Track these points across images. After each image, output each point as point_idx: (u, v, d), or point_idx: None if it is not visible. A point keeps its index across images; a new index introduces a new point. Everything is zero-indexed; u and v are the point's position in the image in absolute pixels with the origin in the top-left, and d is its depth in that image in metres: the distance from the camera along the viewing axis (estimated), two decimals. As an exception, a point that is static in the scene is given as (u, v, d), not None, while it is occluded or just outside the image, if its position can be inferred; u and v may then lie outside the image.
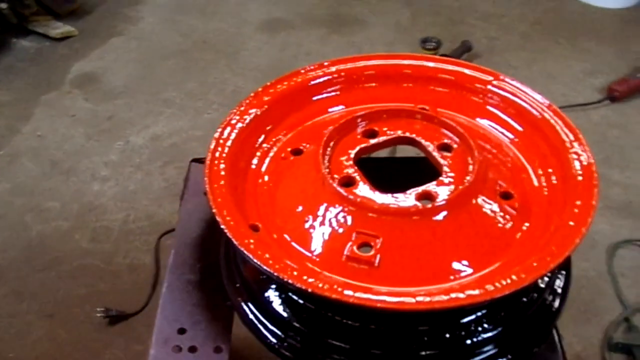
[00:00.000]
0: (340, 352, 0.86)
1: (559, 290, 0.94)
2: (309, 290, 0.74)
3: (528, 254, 0.83)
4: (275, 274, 0.76)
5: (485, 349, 0.87)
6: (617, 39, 2.96)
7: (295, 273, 0.77)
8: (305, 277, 0.75)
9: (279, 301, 0.89)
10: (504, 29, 3.05)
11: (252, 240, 0.81)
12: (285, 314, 0.88)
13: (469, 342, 0.86)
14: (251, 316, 0.91)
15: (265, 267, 0.77)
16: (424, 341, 0.85)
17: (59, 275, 1.93)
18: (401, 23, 3.09)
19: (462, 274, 0.83)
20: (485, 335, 0.87)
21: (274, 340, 0.89)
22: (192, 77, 2.72)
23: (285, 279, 0.75)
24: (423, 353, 0.85)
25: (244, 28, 3.05)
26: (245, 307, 0.92)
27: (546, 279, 0.91)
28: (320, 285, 0.74)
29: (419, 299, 0.74)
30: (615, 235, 1.98)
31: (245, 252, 0.79)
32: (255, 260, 0.78)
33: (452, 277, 0.83)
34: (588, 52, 2.87)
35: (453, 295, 0.75)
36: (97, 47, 2.90)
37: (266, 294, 0.90)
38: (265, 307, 0.90)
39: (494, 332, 0.87)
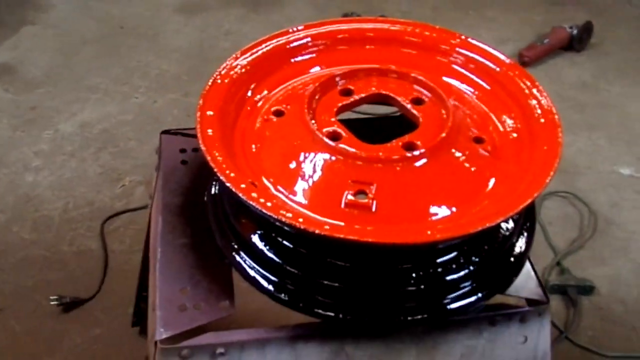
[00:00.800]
0: (332, 291, 0.91)
1: (525, 233, 1.03)
2: (330, 235, 0.79)
3: (504, 193, 0.92)
4: (293, 223, 0.80)
5: (463, 284, 0.95)
6: (521, 8, 3.15)
7: (301, 220, 0.82)
8: (322, 222, 0.81)
9: (274, 251, 0.94)
10: (415, 2, 3.18)
11: (255, 194, 0.86)
12: (280, 261, 0.93)
13: (448, 278, 0.94)
14: (248, 269, 0.95)
15: (276, 217, 0.82)
16: (407, 278, 0.92)
17: (3, 268, 1.89)
18: (317, 0, 3.15)
19: (446, 214, 0.91)
20: (462, 272, 0.95)
21: (271, 287, 0.93)
22: (115, 63, 2.69)
23: (303, 227, 0.80)
24: (407, 289, 0.92)
25: (160, 11, 3.03)
26: (242, 261, 0.96)
27: (512, 223, 1.00)
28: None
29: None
30: (540, 189, 2.12)
31: (255, 204, 0.83)
32: (265, 212, 0.82)
33: (437, 217, 0.91)
34: (496, 21, 3.04)
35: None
36: (9, 37, 2.81)
37: (261, 246, 0.95)
38: (261, 258, 0.94)
39: (470, 269, 0.95)
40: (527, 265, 1.03)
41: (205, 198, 1.06)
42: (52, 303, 1.76)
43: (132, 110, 2.46)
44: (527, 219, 1.04)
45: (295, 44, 1.08)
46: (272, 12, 3.04)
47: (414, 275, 0.92)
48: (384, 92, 1.03)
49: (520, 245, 1.01)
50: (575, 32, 2.80)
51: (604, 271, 1.93)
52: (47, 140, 2.31)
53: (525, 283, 1.01)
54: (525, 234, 1.03)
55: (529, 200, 0.86)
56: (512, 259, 1.00)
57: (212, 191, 1.05)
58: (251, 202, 0.84)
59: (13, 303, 1.80)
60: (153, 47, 2.79)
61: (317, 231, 0.81)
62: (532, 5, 3.18)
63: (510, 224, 1.00)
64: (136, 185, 2.14)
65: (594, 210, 2.10)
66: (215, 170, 0.88)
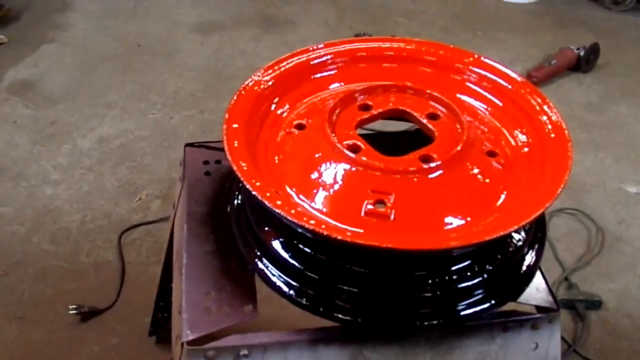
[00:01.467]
0: (351, 297, 0.96)
1: (536, 245, 1.07)
2: (351, 241, 0.83)
3: (515, 204, 0.96)
4: (317, 229, 0.85)
5: (477, 292, 0.99)
6: (528, 30, 3.21)
7: (324, 226, 0.87)
8: (344, 229, 0.85)
9: (295, 257, 0.98)
10: (425, 24, 3.24)
11: (279, 202, 0.90)
12: (301, 267, 0.97)
13: (462, 285, 0.98)
14: (270, 275, 1.00)
15: (301, 223, 0.86)
16: (423, 285, 0.96)
17: (22, 278, 1.94)
18: (329, 21, 3.22)
19: (460, 224, 0.95)
20: (476, 280, 0.99)
21: (292, 292, 0.98)
22: (132, 80, 2.76)
23: (326, 233, 0.84)
24: (423, 295, 0.96)
25: (176, 30, 3.10)
26: (264, 267, 1.01)
27: (524, 234, 1.04)
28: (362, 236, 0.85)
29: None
30: (548, 206, 2.16)
31: (280, 211, 0.87)
32: (290, 219, 0.87)
33: (452, 226, 0.95)
34: (505, 42, 3.10)
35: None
36: (30, 55, 2.89)
37: (282, 253, 0.99)
38: (282, 264, 0.99)
39: (483, 278, 0.99)
40: (538, 275, 1.07)
41: (229, 207, 1.11)
42: (70, 312, 1.80)
43: (149, 126, 2.51)
44: (537, 231, 1.08)
45: (316, 61, 1.13)
46: (285, 32, 3.10)
47: (429, 282, 0.96)
48: (401, 107, 1.08)
49: (531, 255, 1.05)
50: (582, 53, 2.86)
51: (612, 287, 1.97)
52: (65, 154, 2.36)
53: (536, 292, 1.05)
54: (536, 245, 1.07)
55: (540, 211, 0.90)
56: (523, 269, 1.04)
57: (235, 201, 1.10)
58: (277, 210, 0.88)
59: (32, 312, 1.84)
60: (169, 65, 2.86)
61: (339, 237, 0.85)
62: (540, 27, 3.24)
63: (522, 235, 1.04)
64: (152, 199, 2.19)
65: (602, 227, 2.14)
66: (242, 179, 0.92)
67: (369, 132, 1.15)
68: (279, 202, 0.89)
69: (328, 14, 3.28)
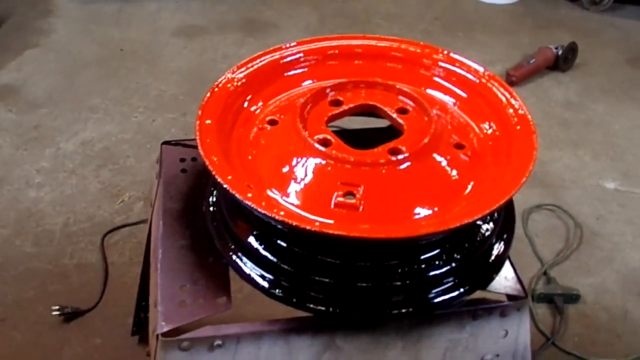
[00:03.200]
0: (323, 287, 0.98)
1: (505, 235, 1.10)
2: (321, 231, 0.86)
3: (482, 194, 0.99)
4: (286, 220, 0.87)
5: (446, 280, 1.02)
6: (508, 31, 3.25)
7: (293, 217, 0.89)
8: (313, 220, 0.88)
9: (268, 250, 1.00)
10: (406, 27, 3.27)
11: (250, 195, 0.92)
12: (275, 259, 1.00)
13: (431, 274, 1.00)
14: (244, 267, 1.02)
15: (271, 215, 0.88)
16: (393, 274, 0.99)
17: (5, 280, 1.95)
18: (311, 25, 3.25)
19: (428, 214, 0.98)
20: (445, 268, 1.01)
21: (266, 285, 1.00)
22: (115, 84, 2.77)
23: (295, 224, 0.87)
24: (393, 284, 0.99)
25: (159, 35, 3.12)
26: (238, 260, 1.03)
27: (492, 225, 1.07)
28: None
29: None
30: (526, 203, 2.20)
31: (251, 204, 0.89)
32: (261, 211, 0.89)
33: (420, 216, 0.97)
34: (484, 43, 3.13)
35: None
36: (13, 59, 2.89)
37: (256, 246, 1.01)
38: (256, 257, 1.01)
39: (452, 266, 1.01)
40: (508, 264, 1.09)
41: (204, 203, 1.13)
42: (53, 314, 1.81)
43: (132, 129, 2.53)
44: (506, 221, 1.11)
45: (288, 59, 1.15)
46: (268, 37, 3.13)
47: (399, 270, 0.98)
48: (371, 102, 1.11)
49: (500, 245, 1.08)
50: (560, 52, 2.89)
51: (590, 281, 2.00)
52: (48, 158, 2.38)
53: (505, 280, 1.07)
54: (505, 235, 1.10)
55: (505, 199, 0.93)
56: (492, 258, 1.06)
57: (210, 196, 1.12)
58: (248, 202, 0.90)
59: (15, 314, 1.85)
60: (152, 69, 2.87)
61: (308, 227, 0.88)
62: (519, 28, 3.28)
63: (490, 225, 1.07)
64: (135, 200, 2.21)
65: (580, 222, 2.17)
66: (214, 173, 0.94)
67: (340, 129, 1.18)
68: (249, 195, 0.92)
69: (310, 18, 3.31)
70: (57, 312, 1.81)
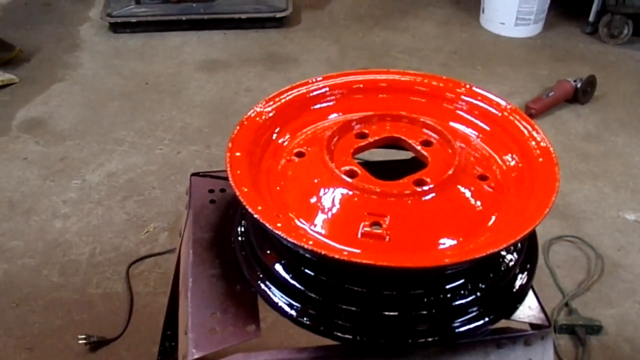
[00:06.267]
0: (350, 316, 1.00)
1: (528, 265, 1.12)
2: (349, 260, 0.88)
3: (506, 225, 1.01)
4: (315, 249, 0.89)
5: (471, 309, 1.03)
6: (526, 63, 3.28)
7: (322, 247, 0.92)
8: (341, 249, 0.90)
9: (296, 279, 1.03)
10: (424, 60, 3.32)
11: (280, 225, 0.95)
12: (302, 288, 1.02)
13: (456, 303, 1.02)
14: (272, 296, 1.04)
15: (302, 245, 0.91)
16: (419, 303, 1.00)
17: (33, 309, 1.98)
18: (331, 58, 3.30)
19: (453, 244, 1.00)
20: (470, 298, 1.03)
21: (294, 313, 1.02)
22: (140, 117, 2.83)
23: (324, 253, 0.89)
24: (419, 313, 1.00)
25: (183, 69, 3.19)
26: (267, 289, 1.05)
27: (515, 255, 1.09)
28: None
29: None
30: (548, 234, 2.21)
31: (281, 233, 0.92)
32: (290, 240, 0.92)
33: (445, 246, 1.00)
34: (503, 76, 3.17)
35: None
36: (40, 93, 2.97)
37: (284, 275, 1.04)
38: (284, 286, 1.03)
39: (477, 296, 1.03)
40: (531, 294, 1.11)
41: (232, 233, 1.16)
42: (79, 342, 1.84)
43: (157, 161, 2.58)
44: (529, 252, 1.13)
45: (315, 93, 1.19)
46: (289, 70, 3.19)
47: (425, 300, 1.00)
48: (396, 135, 1.14)
49: (523, 275, 1.10)
50: (579, 85, 2.92)
51: (612, 312, 1.99)
52: (75, 189, 2.43)
53: (529, 310, 1.08)
54: (528, 265, 1.11)
55: (529, 230, 0.95)
56: (516, 288, 1.08)
57: (239, 226, 1.15)
58: (277, 232, 0.93)
59: (42, 343, 1.88)
60: (176, 102, 2.94)
61: (337, 256, 0.90)
62: (538, 61, 3.32)
63: (514, 256, 1.09)
64: (160, 231, 2.24)
65: (601, 253, 2.18)
66: (245, 204, 0.97)
67: (364, 161, 1.21)
68: (279, 225, 0.94)
69: (331, 52, 3.37)
70: (84, 341, 1.84)
